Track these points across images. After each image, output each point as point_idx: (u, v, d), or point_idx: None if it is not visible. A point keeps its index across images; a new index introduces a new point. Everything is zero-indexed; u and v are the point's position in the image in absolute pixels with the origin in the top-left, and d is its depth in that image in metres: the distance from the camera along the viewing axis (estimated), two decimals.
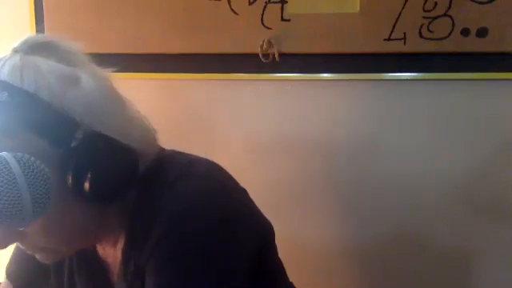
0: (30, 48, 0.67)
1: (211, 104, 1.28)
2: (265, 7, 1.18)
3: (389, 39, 1.15)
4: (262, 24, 1.19)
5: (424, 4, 1.12)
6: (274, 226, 0.80)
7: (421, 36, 1.14)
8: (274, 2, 1.18)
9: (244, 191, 0.78)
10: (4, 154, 0.58)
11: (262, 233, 0.78)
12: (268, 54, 1.19)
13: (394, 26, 1.14)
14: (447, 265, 1.23)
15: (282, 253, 0.84)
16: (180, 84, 1.28)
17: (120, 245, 0.76)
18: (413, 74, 1.18)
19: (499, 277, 1.22)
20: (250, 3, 1.18)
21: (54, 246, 0.71)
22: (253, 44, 1.19)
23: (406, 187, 1.22)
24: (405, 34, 1.14)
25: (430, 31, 1.13)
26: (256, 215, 0.78)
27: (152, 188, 0.71)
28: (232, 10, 1.19)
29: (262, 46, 1.18)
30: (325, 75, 1.21)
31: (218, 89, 1.27)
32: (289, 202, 1.27)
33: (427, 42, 1.14)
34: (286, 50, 1.19)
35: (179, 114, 1.30)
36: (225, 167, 0.78)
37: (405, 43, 1.14)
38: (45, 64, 0.65)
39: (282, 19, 1.18)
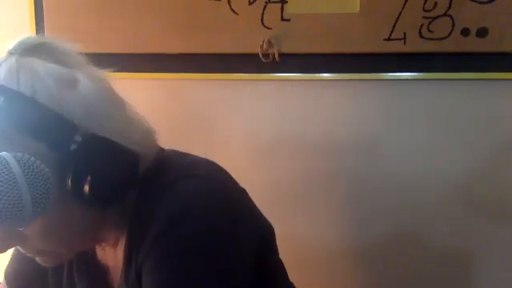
0: (26, 50, 0.66)
1: (211, 104, 1.28)
2: (265, 7, 1.18)
3: (389, 39, 1.15)
4: (262, 24, 1.19)
5: (424, 4, 1.12)
6: (274, 225, 0.80)
7: (421, 36, 1.14)
8: (273, 2, 1.18)
9: (244, 192, 0.78)
10: (4, 154, 0.58)
11: (261, 233, 0.78)
12: (268, 54, 1.19)
13: (393, 26, 1.14)
14: (447, 265, 1.23)
15: (282, 253, 0.84)
16: (180, 84, 1.28)
17: (121, 247, 0.75)
18: (413, 73, 1.18)
19: (499, 277, 1.23)
20: (250, 3, 1.18)
21: (53, 248, 0.71)
22: (253, 44, 1.19)
23: (406, 187, 1.22)
24: (405, 34, 1.14)
25: (430, 31, 1.13)
26: (256, 215, 0.78)
27: (152, 189, 0.71)
28: (232, 10, 1.19)
29: (261, 46, 1.18)
30: (325, 75, 1.21)
31: (218, 89, 1.27)
32: (289, 202, 1.27)
33: (427, 42, 1.14)
34: (286, 50, 1.19)
35: (179, 114, 1.30)
36: (225, 167, 0.78)
37: (405, 43, 1.14)
38: (41, 66, 0.64)
39: (282, 19, 1.18)
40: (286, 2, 1.17)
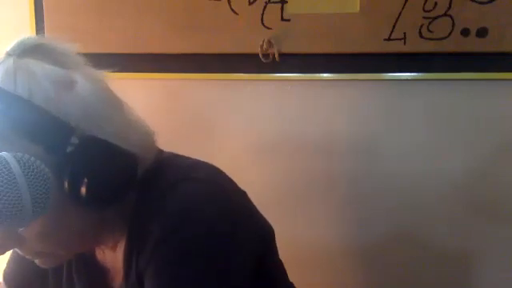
0: (24, 51, 0.65)
1: (211, 104, 1.28)
2: (265, 7, 1.18)
3: (389, 39, 1.15)
4: (262, 24, 1.19)
5: (424, 4, 1.12)
6: (274, 225, 0.80)
7: (421, 36, 1.14)
8: (273, 2, 1.18)
9: (244, 193, 0.78)
10: (4, 154, 0.58)
11: (261, 234, 0.78)
12: (268, 54, 1.19)
13: (393, 26, 1.14)
14: (447, 265, 1.23)
15: (283, 253, 0.84)
16: (180, 84, 1.28)
17: (120, 249, 0.75)
18: (413, 74, 1.18)
19: (499, 277, 1.23)
20: (250, 3, 1.18)
21: (52, 250, 0.70)
22: (253, 44, 1.19)
23: (406, 187, 1.22)
24: (405, 34, 1.14)
25: (430, 31, 1.13)
26: (256, 217, 0.78)
27: (151, 192, 0.70)
28: (232, 9, 1.19)
29: (262, 46, 1.18)
30: (325, 75, 1.21)
31: (218, 89, 1.27)
32: (289, 202, 1.27)
33: (427, 41, 1.14)
34: (286, 49, 1.19)
35: (179, 114, 1.30)
36: (225, 167, 0.78)
37: (405, 43, 1.14)
38: (39, 67, 0.64)
39: (282, 19, 1.18)
40: (286, 2, 1.17)
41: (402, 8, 1.13)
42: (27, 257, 0.72)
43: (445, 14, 1.12)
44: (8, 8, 1.32)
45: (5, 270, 0.89)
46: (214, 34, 1.21)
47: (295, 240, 1.26)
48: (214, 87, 1.27)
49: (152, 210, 0.69)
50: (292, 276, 0.87)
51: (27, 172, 0.57)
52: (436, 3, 1.12)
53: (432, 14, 1.13)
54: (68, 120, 0.62)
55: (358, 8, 1.15)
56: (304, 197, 1.26)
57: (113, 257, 0.78)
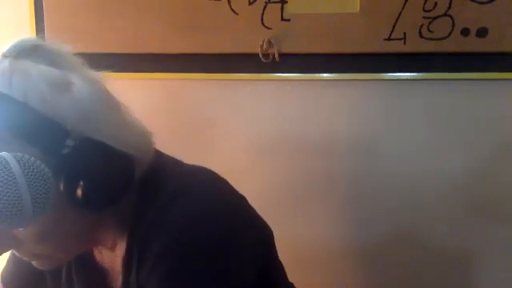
0: (21, 52, 0.65)
1: (211, 104, 1.28)
2: (265, 7, 1.18)
3: (389, 39, 1.15)
4: (262, 24, 1.19)
5: (424, 4, 1.12)
6: (274, 226, 0.80)
7: (421, 36, 1.14)
8: (273, 2, 1.18)
9: (243, 198, 0.77)
10: (4, 154, 0.58)
11: (262, 238, 0.78)
12: (268, 54, 1.19)
13: (394, 26, 1.14)
14: (447, 265, 1.23)
15: (283, 253, 0.84)
16: (180, 84, 1.28)
17: (119, 251, 0.75)
18: (413, 74, 1.18)
19: (499, 277, 1.23)
20: (250, 3, 1.18)
21: (49, 252, 0.70)
22: (253, 44, 1.19)
23: (406, 187, 1.22)
24: (405, 34, 1.14)
25: (430, 31, 1.13)
26: (256, 220, 0.78)
27: (152, 199, 0.70)
28: (232, 9, 1.19)
29: (262, 46, 1.18)
30: (325, 75, 1.21)
31: (218, 89, 1.27)
32: (289, 202, 1.27)
33: (427, 41, 1.14)
34: (286, 49, 1.19)
35: (179, 114, 1.30)
36: (225, 167, 0.78)
37: (405, 43, 1.14)
38: (35, 69, 0.64)
39: (282, 19, 1.18)
40: (286, 2, 1.17)
41: (402, 8, 1.13)
42: (25, 259, 0.72)
43: (445, 14, 1.12)
44: (8, 8, 1.32)
45: (3, 272, 0.89)
46: (214, 34, 1.21)
47: (295, 240, 1.26)
48: (213, 87, 1.27)
49: (152, 222, 0.68)
50: (292, 276, 0.87)
51: (27, 172, 0.57)
52: (436, 3, 1.12)
53: (432, 14, 1.13)
54: (64, 122, 0.62)
55: (358, 8, 1.15)
56: (304, 197, 1.26)
57: (111, 257, 0.78)
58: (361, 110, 1.22)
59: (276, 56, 1.18)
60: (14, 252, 0.72)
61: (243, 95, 1.26)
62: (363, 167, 1.24)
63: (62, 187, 0.61)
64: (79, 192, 0.62)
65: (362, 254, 1.27)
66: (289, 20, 1.18)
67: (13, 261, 0.88)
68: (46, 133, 0.61)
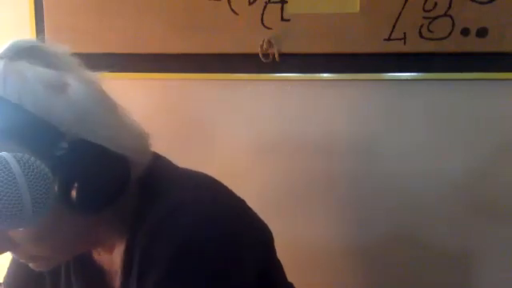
0: (16, 53, 0.64)
1: (211, 104, 1.28)
2: (265, 7, 1.18)
3: (389, 39, 1.15)
4: (262, 24, 1.19)
5: (424, 4, 1.12)
6: (274, 226, 0.80)
7: (421, 36, 1.14)
8: (273, 2, 1.18)
9: (241, 201, 0.77)
10: (4, 154, 0.57)
11: (262, 239, 0.78)
12: (268, 54, 1.19)
13: (394, 26, 1.14)
14: (447, 265, 1.23)
15: (283, 253, 0.84)
16: (180, 84, 1.28)
17: (117, 253, 0.75)
18: (413, 74, 1.18)
19: (499, 277, 1.23)
20: (250, 3, 1.18)
21: (46, 254, 0.70)
22: (253, 44, 1.19)
23: (406, 187, 1.22)
24: (405, 34, 1.14)
25: (430, 31, 1.13)
26: (255, 222, 0.78)
27: (152, 203, 0.70)
28: (232, 9, 1.19)
29: (262, 46, 1.18)
30: (325, 75, 1.21)
31: (218, 89, 1.27)
32: (289, 202, 1.27)
33: (427, 42, 1.14)
34: (286, 49, 1.19)
35: (179, 114, 1.30)
36: (225, 167, 0.78)
37: (405, 43, 1.14)
38: (30, 70, 0.63)
39: (282, 19, 1.18)
40: (286, 2, 1.17)
41: (402, 8, 1.13)
42: (21, 260, 0.71)
43: (445, 14, 1.12)
44: (8, 8, 1.32)
45: (5, 275, 0.89)
46: (213, 34, 1.21)
47: (295, 240, 1.26)
48: (213, 87, 1.27)
49: (153, 225, 0.68)
50: (292, 276, 0.87)
51: (27, 172, 0.57)
52: (436, 3, 1.12)
53: (432, 14, 1.13)
54: (59, 123, 0.61)
55: (358, 8, 1.15)
56: (304, 197, 1.26)
57: (109, 259, 0.78)
58: (361, 110, 1.22)
59: (276, 56, 1.18)
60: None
61: (243, 95, 1.26)
62: (363, 167, 1.24)
63: (56, 189, 0.61)
64: (74, 194, 0.61)
65: (362, 254, 1.27)
66: (289, 20, 1.18)
67: (14, 261, 0.88)
68: (39, 135, 0.61)
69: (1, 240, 0.65)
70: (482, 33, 1.12)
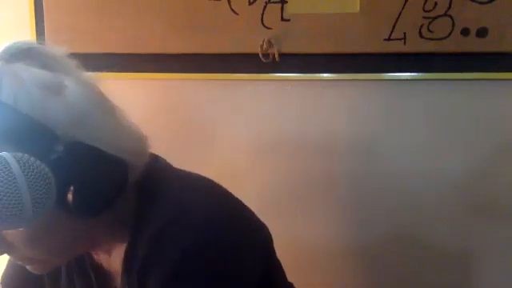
0: (12, 55, 0.64)
1: (211, 104, 1.28)
2: (265, 7, 1.18)
3: (389, 39, 1.15)
4: (262, 24, 1.19)
5: (424, 4, 1.12)
6: (274, 225, 0.80)
7: (421, 36, 1.14)
8: (273, 2, 1.18)
9: (239, 202, 0.77)
10: (4, 154, 0.57)
11: (261, 240, 0.77)
12: (268, 54, 1.19)
13: (394, 26, 1.14)
14: (447, 265, 1.23)
15: (283, 253, 0.84)
16: (180, 84, 1.28)
17: (116, 255, 0.75)
18: (413, 74, 1.18)
19: (499, 277, 1.23)
20: (250, 3, 1.18)
21: (43, 257, 0.70)
22: (253, 44, 1.19)
23: (406, 187, 1.22)
24: (405, 34, 1.14)
25: (430, 31, 1.13)
26: (254, 224, 0.77)
27: (151, 206, 0.69)
28: (232, 9, 1.19)
29: (262, 46, 1.18)
30: (325, 75, 1.21)
31: (218, 89, 1.27)
32: (289, 202, 1.27)
33: (427, 41, 1.14)
34: (286, 49, 1.19)
35: (179, 114, 1.30)
36: (225, 167, 0.78)
37: (405, 43, 1.14)
38: (27, 72, 0.63)
39: (282, 19, 1.18)
40: (286, 2, 1.17)
41: (402, 8, 1.13)
42: (18, 262, 0.71)
43: (445, 14, 1.12)
44: (8, 8, 1.32)
45: (3, 274, 0.89)
46: (213, 34, 1.21)
47: (295, 240, 1.26)
48: (213, 87, 1.27)
49: (153, 227, 0.68)
50: (292, 276, 0.87)
51: (27, 172, 0.57)
52: (436, 3, 1.12)
53: (432, 14, 1.13)
54: (55, 126, 0.61)
55: (358, 8, 1.15)
56: (304, 197, 1.26)
57: (108, 260, 0.78)
58: (361, 110, 1.22)
59: (276, 56, 1.18)
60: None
61: (243, 95, 1.26)
62: (363, 167, 1.24)
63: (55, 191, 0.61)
64: (70, 197, 0.61)
65: (362, 254, 1.27)
66: (289, 20, 1.18)
67: (12, 262, 0.87)
68: (34, 137, 0.60)
69: None
70: (482, 33, 1.12)
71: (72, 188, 0.61)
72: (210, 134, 1.29)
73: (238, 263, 0.69)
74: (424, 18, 1.13)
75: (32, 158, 0.58)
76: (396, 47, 1.15)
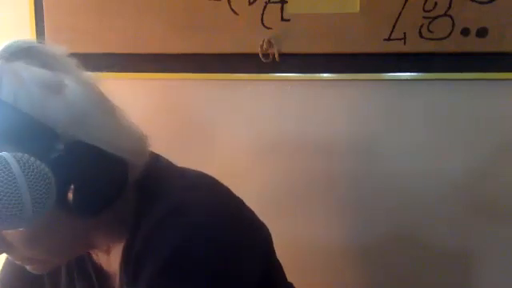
0: (13, 54, 0.64)
1: (211, 104, 1.28)
2: (265, 7, 1.18)
3: (389, 39, 1.15)
4: (262, 24, 1.19)
5: (424, 4, 1.12)
6: (274, 226, 0.80)
7: (421, 36, 1.14)
8: (273, 2, 1.18)
9: (240, 201, 0.77)
10: (4, 154, 0.57)
11: (261, 240, 0.77)
12: (268, 54, 1.19)
13: (394, 26, 1.14)
14: (447, 265, 1.23)
15: (283, 253, 0.84)
16: (180, 84, 1.28)
17: (117, 256, 0.75)
18: (413, 73, 1.18)
19: (499, 277, 1.23)
20: (250, 3, 1.18)
21: (42, 257, 0.70)
22: (253, 44, 1.19)
23: (406, 187, 1.22)
24: (405, 34, 1.14)
25: (430, 31, 1.13)
26: (254, 224, 0.77)
27: (151, 205, 0.69)
28: (232, 9, 1.19)
29: (262, 46, 1.18)
30: (325, 75, 1.21)
31: (218, 89, 1.27)
32: (289, 202, 1.27)
33: (427, 41, 1.14)
34: (286, 50, 1.19)
35: (179, 114, 1.30)
36: (225, 167, 0.78)
37: (405, 43, 1.14)
38: (27, 71, 0.62)
39: (282, 19, 1.18)
40: (286, 2, 1.17)
41: (402, 8, 1.13)
42: (17, 262, 0.71)
43: (445, 14, 1.12)
44: (8, 8, 1.32)
45: (1, 274, 0.88)
46: (213, 34, 1.21)
47: (295, 240, 1.26)
48: (213, 87, 1.27)
49: (153, 226, 0.68)
50: (292, 276, 0.87)
51: (27, 172, 0.57)
52: (436, 3, 1.12)
53: (432, 14, 1.13)
54: (55, 125, 0.61)
55: (358, 8, 1.15)
56: (304, 197, 1.26)
57: (107, 260, 0.78)
58: (361, 110, 1.22)
59: (276, 56, 1.18)
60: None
61: (243, 95, 1.26)
62: (363, 167, 1.24)
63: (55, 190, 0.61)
64: (70, 197, 0.61)
65: (362, 254, 1.27)
66: (289, 20, 1.18)
67: (9, 262, 0.87)
68: (34, 136, 0.60)
69: None
70: (482, 33, 1.12)
71: (72, 187, 0.61)
72: (209, 134, 1.29)
73: (237, 263, 0.69)
74: (424, 17, 1.13)
75: (32, 158, 0.58)
76: (396, 47, 1.15)
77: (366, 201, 1.24)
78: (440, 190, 1.21)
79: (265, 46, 1.18)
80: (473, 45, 1.12)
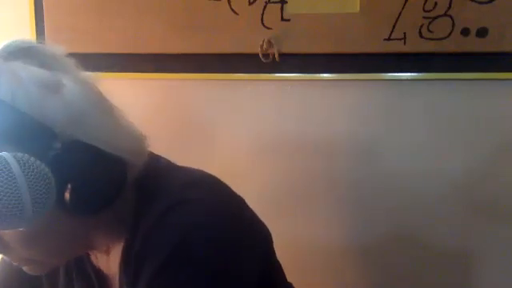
0: (10, 54, 0.64)
1: (211, 104, 1.28)
2: (265, 7, 1.18)
3: (389, 39, 1.15)
4: (262, 24, 1.19)
5: (424, 4, 1.12)
6: (274, 226, 0.80)
7: (421, 36, 1.14)
8: (273, 2, 1.18)
9: (241, 201, 0.77)
10: (4, 154, 0.57)
11: (261, 240, 0.77)
12: (268, 54, 1.19)
13: (394, 26, 1.14)
14: (447, 265, 1.23)
15: (283, 253, 0.84)
16: (180, 84, 1.28)
17: (116, 256, 0.75)
18: (413, 74, 1.18)
19: (499, 277, 1.22)
20: (250, 3, 1.18)
21: (40, 258, 0.69)
22: (253, 44, 1.19)
23: (406, 187, 1.22)
24: (405, 34, 1.14)
25: (430, 31, 1.13)
26: (254, 224, 0.77)
27: (151, 205, 0.69)
28: (232, 9, 1.19)
29: (262, 46, 1.18)
30: (325, 75, 1.21)
31: (218, 89, 1.27)
32: (289, 202, 1.27)
33: (427, 41, 1.14)
34: (286, 50, 1.19)
35: (179, 114, 1.30)
36: (225, 167, 0.78)
37: (405, 43, 1.14)
38: (25, 70, 0.63)
39: (282, 19, 1.18)
40: (286, 2, 1.17)
41: (402, 8, 1.13)
42: (14, 263, 0.71)
43: (445, 14, 1.12)
44: (8, 8, 1.32)
45: None
46: (213, 34, 1.21)
47: (295, 240, 1.26)
48: (213, 87, 1.27)
49: (152, 226, 0.68)
50: (292, 276, 0.87)
51: (27, 172, 0.57)
52: (436, 3, 1.12)
53: (432, 14, 1.13)
54: (53, 124, 0.61)
55: (358, 8, 1.15)
56: (304, 197, 1.26)
57: (106, 261, 0.78)
58: (361, 110, 1.22)
59: (276, 56, 1.18)
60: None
61: (243, 95, 1.26)
62: (363, 167, 1.24)
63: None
64: (67, 196, 0.61)
65: (362, 254, 1.27)
66: (289, 20, 1.18)
67: (5, 262, 0.86)
68: (32, 135, 0.60)
69: None
70: (482, 33, 1.12)
71: (70, 186, 0.61)
72: (209, 134, 1.29)
73: (237, 263, 0.69)
74: (424, 18, 1.13)
75: (32, 158, 0.58)
76: (396, 47, 1.15)
77: (366, 201, 1.24)
78: (440, 190, 1.21)
79: (265, 46, 1.18)
80: (473, 45, 1.12)
